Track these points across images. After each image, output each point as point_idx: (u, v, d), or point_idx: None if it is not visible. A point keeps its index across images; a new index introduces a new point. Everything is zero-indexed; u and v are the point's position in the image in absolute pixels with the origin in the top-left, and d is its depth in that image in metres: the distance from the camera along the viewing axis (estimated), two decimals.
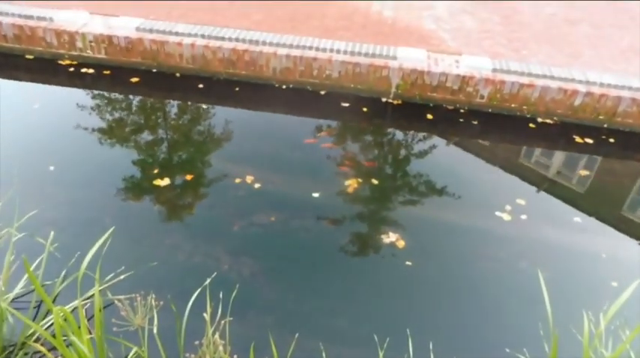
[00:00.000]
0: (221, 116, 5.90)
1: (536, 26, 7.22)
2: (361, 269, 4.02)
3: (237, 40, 6.14)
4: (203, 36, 6.17)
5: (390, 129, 5.97)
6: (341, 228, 4.38)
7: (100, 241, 2.99)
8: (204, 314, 2.77)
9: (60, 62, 6.44)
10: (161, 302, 3.06)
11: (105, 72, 6.34)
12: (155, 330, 2.90)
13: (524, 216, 4.62)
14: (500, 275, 4.09)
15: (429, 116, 5.98)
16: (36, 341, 3.06)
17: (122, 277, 3.55)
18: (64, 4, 6.65)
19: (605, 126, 5.91)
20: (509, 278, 4.06)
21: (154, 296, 3.01)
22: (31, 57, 6.49)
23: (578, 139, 5.75)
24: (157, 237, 4.16)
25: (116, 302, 2.95)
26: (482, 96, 5.97)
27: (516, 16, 7.51)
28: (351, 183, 4.85)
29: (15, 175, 4.37)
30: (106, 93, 6.15)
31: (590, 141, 5.74)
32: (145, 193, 4.65)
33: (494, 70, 5.88)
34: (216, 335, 2.72)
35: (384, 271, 4.01)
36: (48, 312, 3.23)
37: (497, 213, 4.63)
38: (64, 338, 2.72)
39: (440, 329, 3.57)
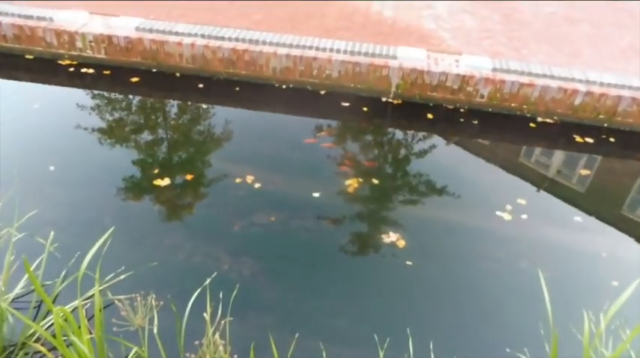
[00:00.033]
0: (221, 116, 5.90)
1: (536, 25, 7.22)
2: (362, 269, 4.02)
3: (237, 39, 6.14)
4: (203, 36, 6.17)
5: (390, 129, 5.96)
6: (341, 228, 4.38)
7: (100, 241, 2.99)
8: (205, 314, 2.77)
9: (60, 62, 6.44)
10: (161, 302, 3.05)
11: (105, 72, 6.34)
12: (155, 330, 2.90)
13: (524, 216, 4.62)
14: (501, 274, 4.08)
15: (429, 116, 5.98)
16: (36, 341, 3.06)
17: (122, 277, 3.55)
18: (63, 4, 6.65)
19: (606, 125, 5.91)
20: (509, 278, 4.06)
21: (154, 296, 3.01)
22: (30, 57, 6.49)
23: (578, 139, 5.75)
24: (157, 236, 4.15)
25: (116, 302, 2.95)
26: (482, 96, 5.97)
27: (516, 15, 7.51)
28: (352, 183, 4.85)
29: (15, 175, 4.37)
30: (106, 93, 6.15)
31: (590, 140, 5.73)
32: (145, 193, 4.65)
33: (494, 70, 5.88)
34: (217, 335, 2.72)
35: (385, 271, 4.01)
36: (48, 312, 3.23)
37: (498, 213, 4.62)
38: (65, 338, 2.72)
39: (440, 329, 3.57)
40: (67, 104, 5.96)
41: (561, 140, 5.81)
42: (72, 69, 6.38)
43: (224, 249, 4.04)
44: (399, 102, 6.13)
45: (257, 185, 4.73)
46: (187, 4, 7.06)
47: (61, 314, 2.61)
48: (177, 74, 6.36)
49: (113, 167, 4.91)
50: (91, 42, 6.28)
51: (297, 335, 3.15)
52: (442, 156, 5.59)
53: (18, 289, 3.34)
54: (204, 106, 6.08)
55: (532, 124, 5.92)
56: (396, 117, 6.05)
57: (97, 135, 5.38)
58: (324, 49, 6.04)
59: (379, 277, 3.94)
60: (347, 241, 4.24)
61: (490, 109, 6.04)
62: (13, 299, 3.30)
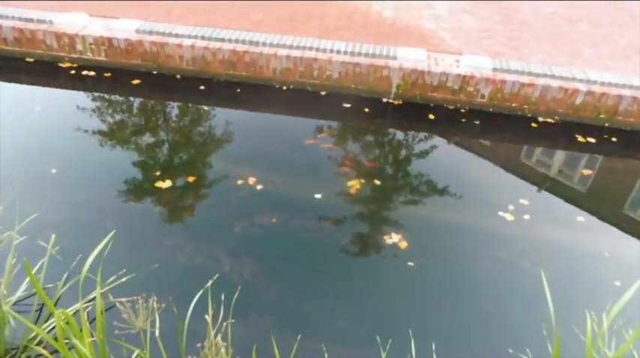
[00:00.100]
0: (222, 117, 5.90)
1: (536, 25, 7.21)
2: (364, 270, 4.02)
3: (237, 41, 6.14)
4: (203, 37, 6.17)
5: (390, 130, 5.96)
6: (342, 229, 4.37)
7: (102, 244, 2.99)
8: (206, 316, 2.76)
9: (60, 65, 6.45)
10: (163, 305, 3.05)
11: (105, 74, 6.35)
12: (157, 333, 2.90)
13: (526, 216, 4.61)
14: (503, 275, 4.08)
15: (430, 116, 5.97)
16: (38, 344, 3.06)
17: (124, 280, 3.55)
18: (63, 7, 6.66)
19: (607, 125, 5.90)
20: (511, 279, 4.05)
21: (155, 298, 3.00)
22: (31, 60, 6.50)
23: (580, 138, 5.74)
24: (159, 238, 4.15)
25: (118, 304, 2.95)
26: (482, 96, 5.96)
27: (516, 15, 7.50)
28: (353, 184, 4.84)
29: (16, 178, 4.37)
30: (106, 96, 6.15)
31: (592, 140, 5.73)
32: (146, 195, 4.65)
33: (495, 70, 5.87)
34: (218, 337, 2.72)
35: (387, 271, 4.00)
36: (50, 315, 3.23)
37: (500, 213, 4.62)
38: (66, 341, 2.73)
39: (442, 330, 3.56)
40: (68, 107, 5.96)
41: (562, 140, 5.80)
42: (73, 71, 6.38)
43: (225, 251, 4.04)
44: (400, 102, 6.13)
45: (258, 186, 4.72)
46: (187, 4, 7.07)
47: (63, 317, 2.61)
48: (178, 76, 6.36)
49: (114, 169, 4.91)
50: (91, 44, 6.29)
51: (299, 336, 3.15)
52: (443, 157, 5.58)
53: (20, 292, 3.34)
54: (205, 108, 6.08)
55: (533, 124, 5.92)
56: (396, 117, 6.05)
57: (99, 137, 5.39)
58: (324, 50, 6.04)
59: (381, 278, 3.93)
60: (348, 242, 4.24)
61: (491, 109, 6.03)
62: (14, 303, 3.29)
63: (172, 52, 6.19)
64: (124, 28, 6.29)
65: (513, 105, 5.97)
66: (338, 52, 6.02)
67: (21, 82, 6.39)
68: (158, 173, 4.83)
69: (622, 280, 3.99)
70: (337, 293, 3.81)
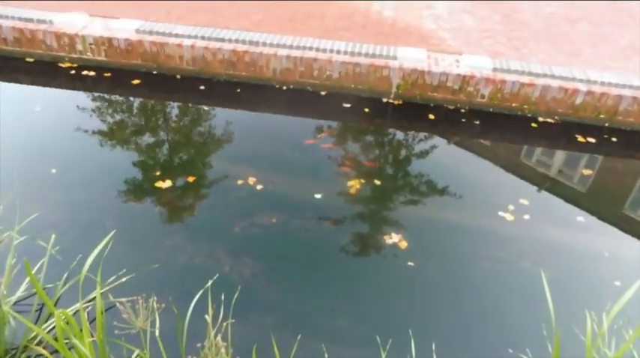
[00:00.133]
0: (222, 117, 5.90)
1: (536, 25, 7.21)
2: (364, 270, 4.02)
3: (237, 41, 6.14)
4: (203, 37, 6.17)
5: (391, 130, 5.96)
6: (343, 229, 4.37)
7: (102, 244, 2.99)
8: (206, 316, 2.76)
9: (60, 65, 6.45)
10: (163, 305, 3.05)
11: (105, 74, 6.35)
12: (157, 333, 2.90)
13: (526, 216, 4.61)
14: (503, 275, 4.08)
15: (430, 116, 5.97)
16: (38, 344, 3.06)
17: (124, 280, 3.55)
18: (63, 7, 6.66)
19: (607, 125, 5.90)
20: (511, 279, 4.05)
21: (155, 298, 3.00)
22: (31, 60, 6.50)
23: (580, 138, 5.74)
24: (159, 238, 4.15)
25: (118, 304, 2.95)
26: (482, 96, 5.96)
27: (516, 14, 7.50)
28: (353, 184, 4.84)
29: (16, 178, 4.37)
30: (106, 96, 6.15)
31: (592, 140, 5.73)
32: (146, 195, 4.65)
33: (495, 70, 5.87)
34: (218, 337, 2.72)
35: (387, 272, 4.00)
36: (50, 315, 3.23)
37: (500, 213, 4.62)
38: (66, 341, 2.73)
39: (442, 330, 3.56)
40: (68, 106, 5.96)
41: (562, 140, 5.80)
42: (73, 71, 6.38)
43: (225, 251, 4.04)
44: (400, 102, 6.13)
45: (258, 186, 4.72)
46: (187, 4, 7.07)
47: (63, 317, 2.61)
48: (178, 76, 6.36)
49: (114, 169, 4.91)
50: (91, 44, 6.29)
51: (299, 336, 3.15)
52: (443, 157, 5.58)
53: (20, 292, 3.34)
54: (205, 108, 6.08)
55: (533, 124, 5.92)
56: (396, 117, 6.05)
57: (99, 137, 5.39)
58: (324, 50, 6.04)
59: (381, 278, 3.93)
60: (348, 242, 4.24)
61: (491, 109, 6.03)
62: (14, 303, 3.29)
63: (172, 52, 6.19)
64: (124, 28, 6.29)
65: (513, 105, 5.97)
66: (338, 52, 6.02)
67: (21, 82, 6.39)
68: (158, 173, 4.83)
69: (622, 280, 3.99)
70: (337, 293, 3.81)
